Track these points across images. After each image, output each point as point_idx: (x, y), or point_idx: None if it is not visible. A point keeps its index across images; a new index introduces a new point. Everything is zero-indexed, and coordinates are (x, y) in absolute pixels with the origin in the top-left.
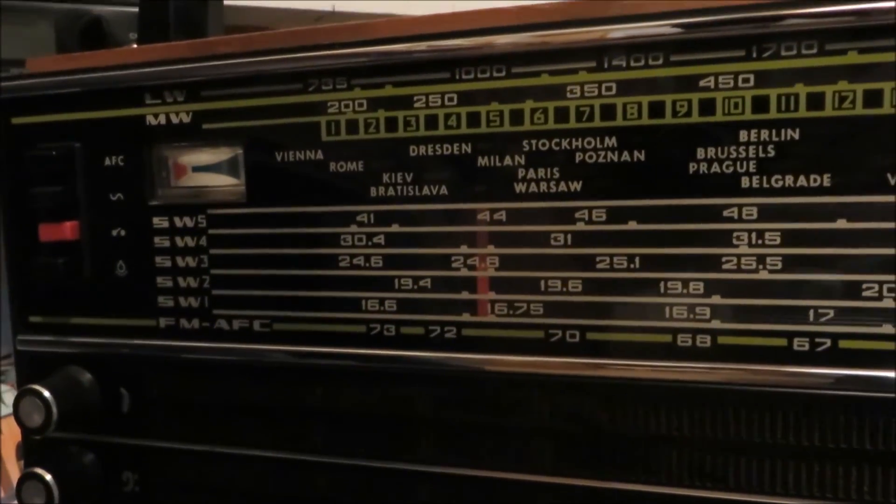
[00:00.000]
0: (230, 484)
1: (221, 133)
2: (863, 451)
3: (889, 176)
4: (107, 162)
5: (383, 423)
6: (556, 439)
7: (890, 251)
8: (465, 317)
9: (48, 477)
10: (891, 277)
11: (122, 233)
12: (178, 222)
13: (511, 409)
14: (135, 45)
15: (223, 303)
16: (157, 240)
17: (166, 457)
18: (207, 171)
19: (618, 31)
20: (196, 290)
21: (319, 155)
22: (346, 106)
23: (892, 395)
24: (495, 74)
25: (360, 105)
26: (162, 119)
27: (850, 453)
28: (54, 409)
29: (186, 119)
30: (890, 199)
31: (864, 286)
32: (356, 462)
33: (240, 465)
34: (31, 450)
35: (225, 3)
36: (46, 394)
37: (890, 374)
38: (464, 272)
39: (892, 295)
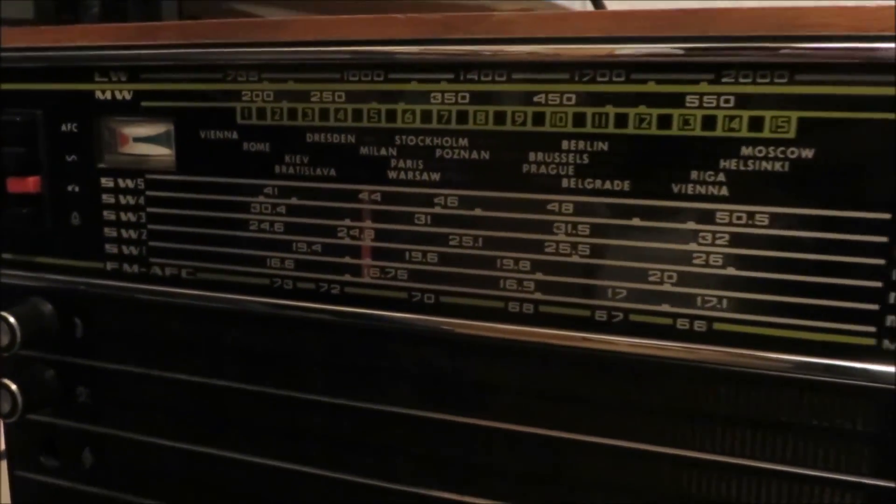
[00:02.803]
0: (159, 401)
1: (156, 111)
2: (641, 402)
3: (673, 185)
4: (63, 128)
5: (281, 359)
6: (413, 381)
7: (669, 245)
8: (347, 277)
9: (14, 387)
10: (670, 267)
11: (76, 189)
12: (121, 183)
13: (379, 355)
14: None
15: (158, 253)
16: (104, 197)
17: (111, 375)
18: (146, 141)
19: (470, 51)
20: (136, 241)
21: (235, 135)
22: (257, 96)
23: (679, 359)
24: (375, 79)
25: (268, 96)
26: (108, 95)
27: (631, 404)
28: (18, 332)
29: (128, 96)
30: (673, 203)
31: (650, 273)
32: (259, 389)
33: (168, 386)
34: (0, 365)
35: None
36: (12, 319)
37: (669, 343)
38: (347, 241)
39: (671, 280)
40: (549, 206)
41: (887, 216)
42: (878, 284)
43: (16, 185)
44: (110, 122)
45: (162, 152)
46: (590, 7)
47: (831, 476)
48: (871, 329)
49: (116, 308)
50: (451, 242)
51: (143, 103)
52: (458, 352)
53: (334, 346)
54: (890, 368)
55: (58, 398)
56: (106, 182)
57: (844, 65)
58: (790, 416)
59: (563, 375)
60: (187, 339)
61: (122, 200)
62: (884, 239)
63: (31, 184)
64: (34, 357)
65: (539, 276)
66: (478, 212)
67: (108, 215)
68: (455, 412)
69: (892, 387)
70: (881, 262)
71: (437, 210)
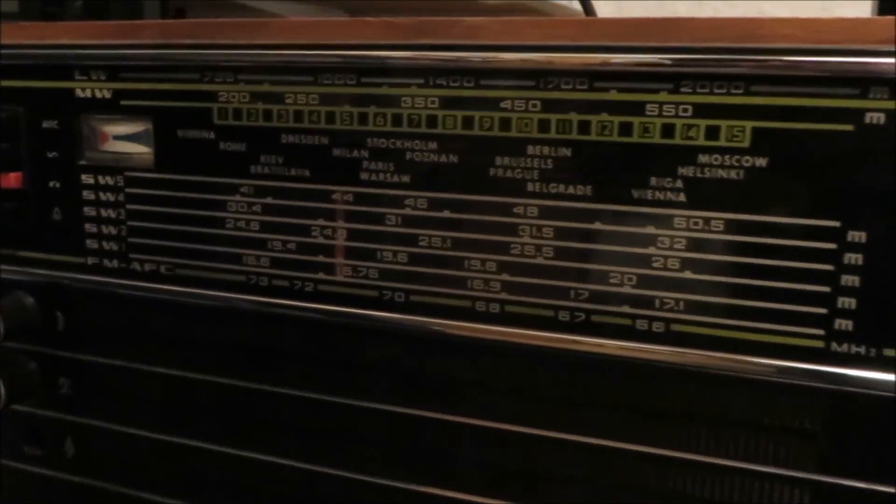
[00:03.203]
0: (139, 392)
1: (135, 109)
2: (601, 399)
3: (633, 191)
4: (44, 125)
5: (256, 352)
6: (384, 377)
7: (629, 249)
8: (321, 275)
9: None
10: (630, 269)
11: (58, 185)
12: (101, 180)
13: (351, 351)
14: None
15: (137, 249)
16: (84, 193)
17: (92, 368)
18: (125, 139)
19: (439, 57)
20: (116, 237)
21: (212, 135)
22: (233, 97)
23: (637, 358)
24: (348, 82)
25: (244, 97)
26: (88, 93)
27: (591, 401)
28: (1, 325)
29: (108, 95)
30: (633, 208)
31: (611, 275)
32: (234, 382)
33: (147, 378)
34: None
35: None
36: None
37: (629, 343)
38: (320, 240)
39: (631, 283)
40: (515, 209)
41: (836, 224)
42: (827, 289)
43: None
44: (90, 120)
45: (141, 150)
46: (577, 6)
47: (781, 472)
48: (820, 332)
49: (97, 302)
50: (420, 243)
51: (123, 102)
52: (427, 349)
53: (308, 341)
54: (834, 369)
55: (41, 389)
56: (86, 179)
57: (799, 77)
58: (743, 414)
59: (526, 373)
60: (166, 333)
61: (102, 197)
62: (833, 246)
63: (13, 179)
64: (17, 349)
65: (505, 276)
66: (446, 213)
67: (89, 211)
68: (424, 407)
69: (864, 391)
70: (830, 267)
71: (408, 211)
